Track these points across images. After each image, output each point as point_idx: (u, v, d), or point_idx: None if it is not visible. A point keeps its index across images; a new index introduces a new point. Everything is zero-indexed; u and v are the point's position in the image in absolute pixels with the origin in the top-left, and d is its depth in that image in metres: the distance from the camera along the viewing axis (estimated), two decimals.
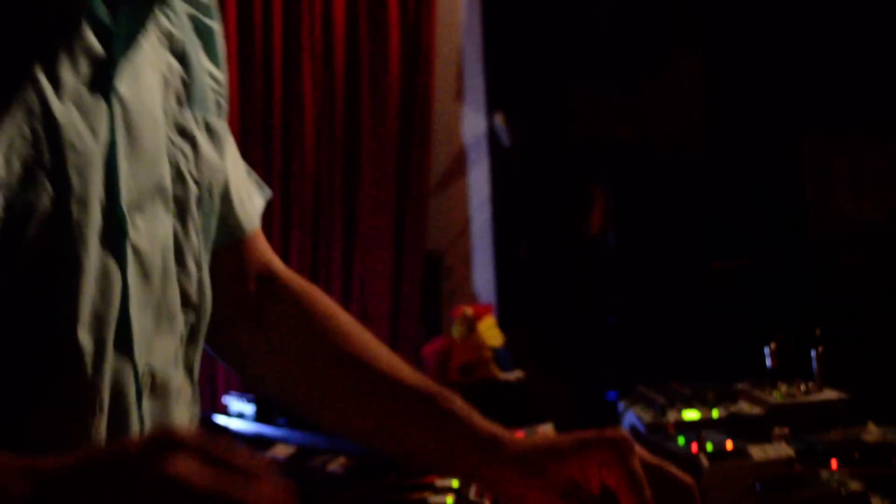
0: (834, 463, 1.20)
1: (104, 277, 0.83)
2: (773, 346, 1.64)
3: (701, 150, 3.88)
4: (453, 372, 2.52)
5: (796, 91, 3.72)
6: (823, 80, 3.67)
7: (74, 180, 0.80)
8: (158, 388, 0.91)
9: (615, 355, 3.30)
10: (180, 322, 0.96)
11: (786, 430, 1.32)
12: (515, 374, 2.43)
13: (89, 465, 0.66)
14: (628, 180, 3.77)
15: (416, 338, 3.58)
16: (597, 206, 3.88)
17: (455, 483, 1.36)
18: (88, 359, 0.81)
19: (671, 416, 1.54)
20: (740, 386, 1.67)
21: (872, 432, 1.37)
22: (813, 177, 3.94)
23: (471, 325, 2.49)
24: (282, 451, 2.73)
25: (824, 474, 1.12)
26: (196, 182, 0.97)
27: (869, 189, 3.91)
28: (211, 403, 3.34)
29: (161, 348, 0.92)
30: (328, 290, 3.79)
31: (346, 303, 3.66)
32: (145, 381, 0.89)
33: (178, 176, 0.94)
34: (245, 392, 2.84)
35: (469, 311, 2.55)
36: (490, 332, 2.51)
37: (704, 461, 1.22)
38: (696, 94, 3.98)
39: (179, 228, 0.95)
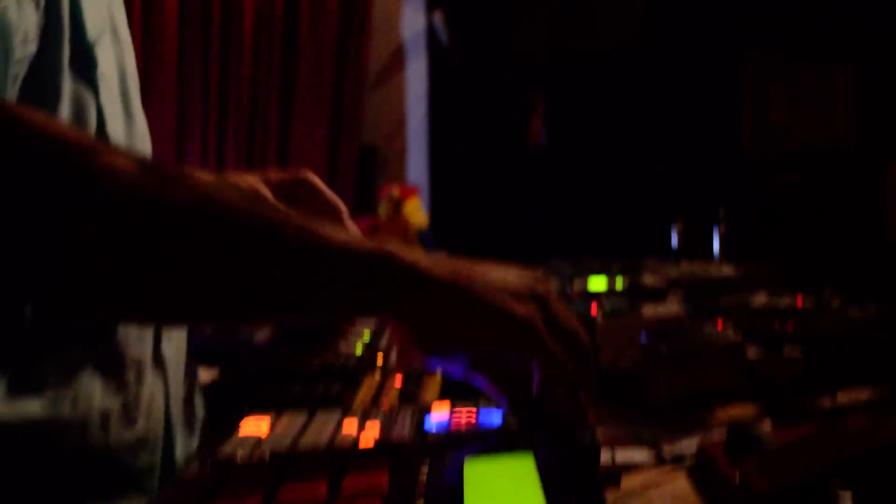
0: (720, 322, 1.27)
1: (79, 103, 0.86)
2: (679, 225, 1.71)
3: (642, 62, 3.91)
4: None
5: (739, 10, 3.76)
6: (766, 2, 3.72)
7: (52, 12, 0.83)
8: None
9: (539, 246, 3.36)
10: (149, 144, 1.02)
11: (680, 293, 1.39)
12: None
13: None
14: (567, 90, 3.80)
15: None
16: (536, 115, 3.91)
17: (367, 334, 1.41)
18: None
19: (577, 285, 1.61)
20: (647, 262, 1.75)
21: (760, 299, 1.45)
22: (751, 98, 4.00)
23: (397, 206, 2.52)
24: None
25: (707, 328, 1.19)
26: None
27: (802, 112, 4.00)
28: None
29: None
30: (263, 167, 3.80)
31: None
32: None
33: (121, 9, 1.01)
34: None
35: (395, 191, 2.57)
36: (416, 213, 2.55)
37: (599, 318, 1.29)
38: (639, 7, 4.00)
39: (124, 58, 1.00)
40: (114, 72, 0.96)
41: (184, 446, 1.02)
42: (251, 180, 1.17)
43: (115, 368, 0.90)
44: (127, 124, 0.97)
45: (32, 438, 0.81)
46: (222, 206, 0.70)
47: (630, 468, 0.99)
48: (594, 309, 1.41)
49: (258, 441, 0.88)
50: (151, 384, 0.95)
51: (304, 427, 0.92)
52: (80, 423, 0.85)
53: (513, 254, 3.44)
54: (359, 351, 1.34)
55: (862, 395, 1.16)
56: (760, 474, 0.81)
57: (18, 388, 0.80)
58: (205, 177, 0.72)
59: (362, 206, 3.66)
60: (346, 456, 0.81)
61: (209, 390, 1.19)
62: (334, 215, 1.18)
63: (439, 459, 0.75)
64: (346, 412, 0.96)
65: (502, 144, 3.86)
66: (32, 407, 0.81)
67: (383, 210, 2.57)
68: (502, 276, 0.81)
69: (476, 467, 0.73)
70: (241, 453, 0.81)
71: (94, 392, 0.87)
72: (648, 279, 1.64)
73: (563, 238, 3.35)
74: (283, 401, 1.01)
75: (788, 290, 1.49)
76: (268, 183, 1.18)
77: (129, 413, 0.91)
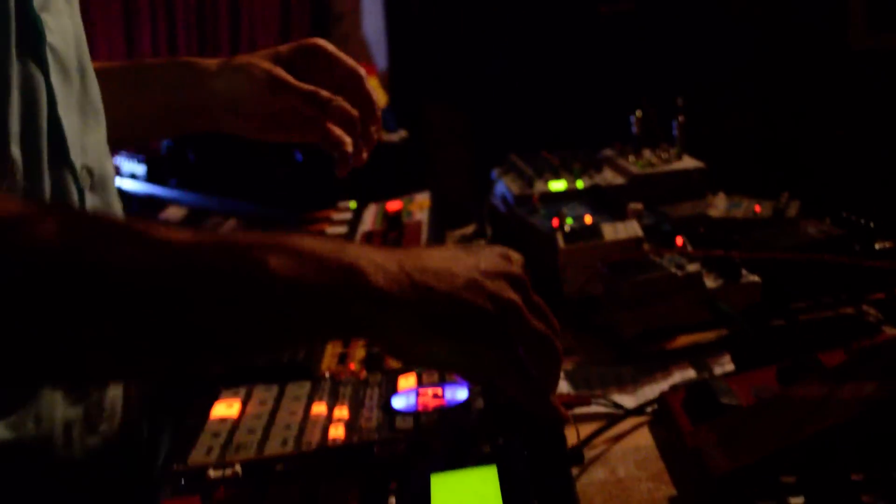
0: (679, 240, 1.28)
1: (28, 86, 0.82)
2: (638, 114, 1.69)
3: None
4: None
5: None
6: None
7: None
8: (97, 184, 0.93)
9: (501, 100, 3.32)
10: (103, 114, 0.98)
11: (640, 207, 1.39)
12: (399, 135, 2.46)
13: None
14: None
15: None
16: None
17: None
18: (21, 172, 0.81)
19: (538, 187, 1.61)
20: (607, 153, 1.74)
21: (719, 207, 1.46)
22: None
23: None
24: (174, 213, 2.75)
25: (666, 256, 1.21)
26: None
27: None
28: None
29: (93, 144, 0.93)
30: (215, 40, 3.70)
31: (234, 52, 3.57)
32: (85, 181, 0.90)
33: None
34: (137, 152, 2.79)
35: None
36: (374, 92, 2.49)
37: (561, 242, 1.29)
38: None
39: (77, 19, 0.95)
40: (66, 36, 0.90)
41: (155, 441, 1.04)
42: (264, 65, 1.13)
43: None
44: (81, 95, 0.93)
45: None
46: (163, 258, 0.68)
47: (595, 418, 1.03)
48: (556, 222, 1.41)
49: (230, 430, 0.89)
50: (114, 387, 0.96)
51: (274, 411, 0.93)
52: (43, 438, 0.85)
53: (471, 112, 3.37)
54: None
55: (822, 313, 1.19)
56: (717, 452, 0.84)
57: None
58: (151, 227, 0.69)
59: None
60: (317, 465, 0.82)
61: None
62: (354, 82, 1.15)
63: (407, 475, 0.77)
64: (315, 386, 0.98)
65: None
66: None
67: None
68: (468, 269, 0.79)
69: (442, 482, 0.76)
70: (213, 468, 0.82)
71: (55, 405, 0.87)
72: (609, 177, 1.63)
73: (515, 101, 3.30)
74: (251, 371, 1.02)
75: (746, 193, 1.49)
76: (278, 59, 1.15)
77: (91, 420, 0.92)
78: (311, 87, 1.11)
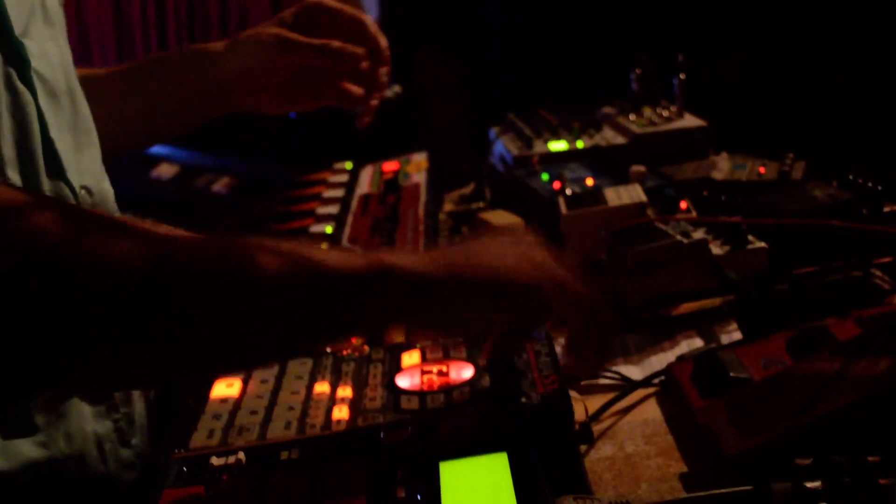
0: (683, 204, 1.26)
1: (19, 111, 0.81)
2: (638, 71, 1.66)
3: None
4: None
5: None
6: None
7: None
8: (97, 203, 0.93)
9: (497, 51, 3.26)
10: (96, 134, 0.97)
11: (642, 169, 1.36)
12: (393, 90, 2.42)
13: None
14: None
15: None
16: None
17: (329, 229, 1.39)
18: None
19: (537, 148, 1.58)
20: (606, 110, 1.71)
21: (722, 169, 1.43)
22: None
23: None
24: (166, 171, 2.73)
25: (671, 223, 1.18)
26: None
27: None
28: None
29: (88, 164, 0.93)
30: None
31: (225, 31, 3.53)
32: (85, 201, 0.90)
33: None
34: None
35: None
36: None
37: (563, 208, 1.27)
38: None
39: (63, 42, 0.95)
40: (51, 60, 0.89)
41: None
42: (271, 29, 1.15)
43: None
44: (72, 116, 0.92)
45: (30, 481, 0.80)
46: (187, 255, 0.67)
47: (601, 390, 1.01)
48: (557, 185, 1.39)
49: (231, 410, 0.88)
50: (140, 400, 0.95)
51: (276, 390, 0.92)
52: (77, 455, 0.84)
53: (465, 65, 3.31)
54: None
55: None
56: (729, 429, 0.83)
57: (10, 434, 0.79)
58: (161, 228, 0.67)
59: None
60: (322, 449, 0.81)
61: None
62: (359, 28, 1.17)
63: (414, 462, 0.76)
64: (317, 363, 0.96)
65: None
66: (27, 450, 0.80)
67: None
68: (500, 251, 0.79)
69: (451, 469, 0.74)
70: (216, 455, 0.81)
71: (84, 420, 0.86)
72: (610, 136, 1.60)
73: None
74: None
75: (749, 152, 1.47)
76: (284, 23, 1.16)
77: (122, 434, 0.91)
78: (321, 40, 1.13)
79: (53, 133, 0.85)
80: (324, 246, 1.03)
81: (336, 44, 1.12)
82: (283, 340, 0.74)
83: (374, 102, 1.19)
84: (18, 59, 0.83)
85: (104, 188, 0.96)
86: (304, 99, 1.21)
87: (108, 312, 0.62)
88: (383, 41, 1.19)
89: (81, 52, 3.42)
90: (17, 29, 0.84)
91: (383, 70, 1.20)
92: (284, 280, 0.69)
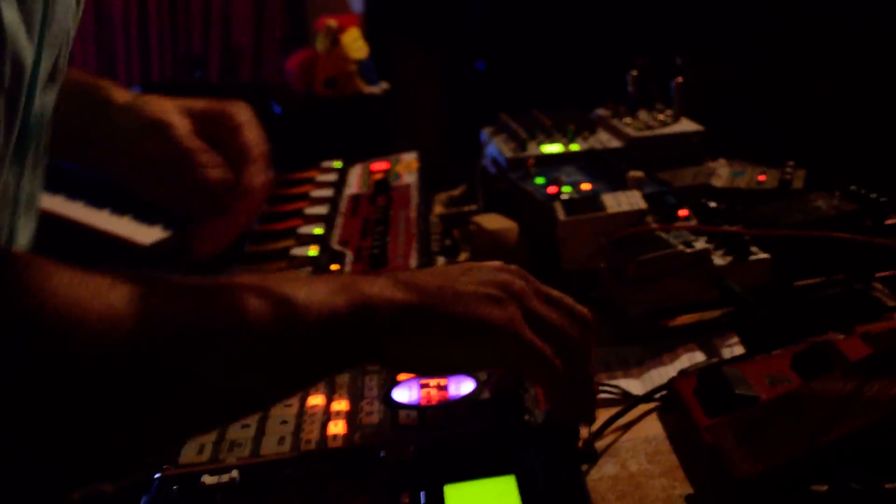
0: (683, 211, 1.23)
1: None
2: (634, 73, 1.63)
3: None
4: (318, 86, 2.45)
5: None
6: None
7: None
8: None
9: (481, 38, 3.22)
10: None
11: (641, 175, 1.34)
12: (381, 87, 2.39)
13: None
14: None
15: (281, 48, 3.48)
16: None
17: (319, 230, 1.36)
18: None
19: (531, 150, 1.55)
20: (601, 112, 1.68)
21: (722, 176, 1.41)
22: None
23: (334, 37, 2.39)
24: None
25: (673, 231, 1.16)
26: None
27: None
28: None
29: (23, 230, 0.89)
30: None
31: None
32: None
33: None
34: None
35: (332, 22, 2.43)
36: (355, 44, 2.41)
37: (560, 214, 1.24)
38: None
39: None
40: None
41: None
42: (167, 106, 1.09)
43: None
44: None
45: None
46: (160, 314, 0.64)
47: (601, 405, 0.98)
48: (553, 189, 1.36)
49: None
50: None
51: None
52: None
53: (453, 64, 3.27)
54: (313, 251, 1.29)
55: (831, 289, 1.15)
56: (738, 451, 0.80)
57: None
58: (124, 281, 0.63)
59: (296, 40, 3.45)
60: (319, 469, 0.78)
61: None
62: (242, 158, 1.10)
63: (418, 485, 0.73)
64: None
65: None
66: None
67: (320, 43, 2.42)
68: (473, 280, 0.77)
69: (457, 493, 0.71)
70: (207, 474, 0.77)
71: None
72: (605, 139, 1.58)
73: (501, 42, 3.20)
74: None
75: (747, 158, 1.44)
76: (190, 112, 1.10)
77: None
78: (194, 146, 1.07)
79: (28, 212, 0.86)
80: (304, 276, 1.02)
81: (202, 158, 1.07)
82: (269, 393, 0.73)
83: (221, 238, 1.11)
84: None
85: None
86: (162, 191, 1.11)
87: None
88: (258, 180, 1.11)
89: None
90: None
91: (247, 208, 1.12)
92: (272, 339, 0.68)
